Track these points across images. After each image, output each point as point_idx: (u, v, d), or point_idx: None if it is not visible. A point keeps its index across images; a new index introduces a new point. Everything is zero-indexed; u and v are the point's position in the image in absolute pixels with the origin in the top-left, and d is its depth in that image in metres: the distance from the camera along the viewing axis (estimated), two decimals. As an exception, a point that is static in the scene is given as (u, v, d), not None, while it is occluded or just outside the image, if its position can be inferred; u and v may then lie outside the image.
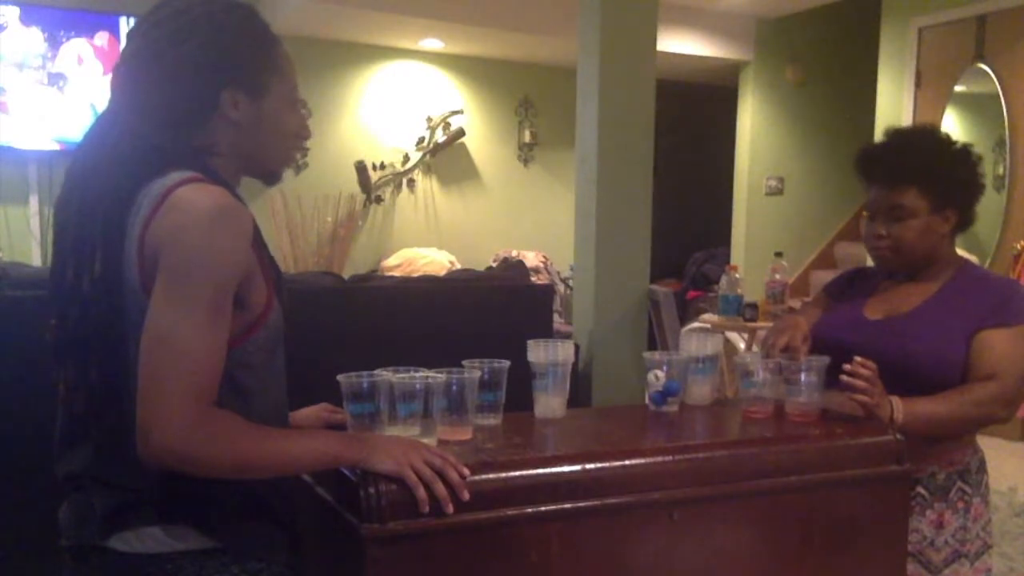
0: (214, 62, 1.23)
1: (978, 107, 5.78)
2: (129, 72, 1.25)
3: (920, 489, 1.79)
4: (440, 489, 1.26)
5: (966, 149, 1.88)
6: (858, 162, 1.93)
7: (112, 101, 1.26)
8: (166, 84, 1.22)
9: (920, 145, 1.88)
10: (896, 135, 1.94)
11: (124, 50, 1.27)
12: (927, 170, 1.82)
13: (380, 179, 6.80)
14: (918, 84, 5.84)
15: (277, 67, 1.30)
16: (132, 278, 1.16)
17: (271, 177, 1.36)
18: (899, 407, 1.69)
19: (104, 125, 1.25)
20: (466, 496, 1.28)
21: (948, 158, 1.86)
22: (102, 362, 1.18)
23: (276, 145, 1.33)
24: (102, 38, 5.70)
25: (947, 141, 1.90)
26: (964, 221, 1.88)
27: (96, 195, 1.19)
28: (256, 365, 1.25)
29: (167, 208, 1.15)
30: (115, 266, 1.17)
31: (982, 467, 1.88)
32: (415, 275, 5.94)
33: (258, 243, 1.26)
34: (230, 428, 1.15)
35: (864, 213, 1.93)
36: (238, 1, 1.29)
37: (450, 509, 1.26)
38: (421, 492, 1.25)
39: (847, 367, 1.65)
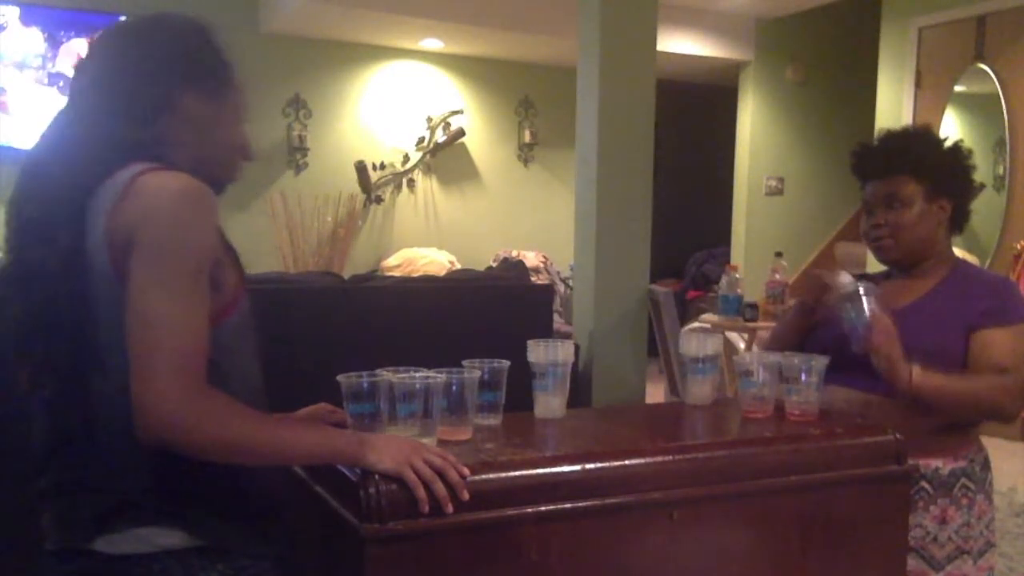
0: (174, 59, 1.27)
1: (978, 107, 5.78)
2: (90, 72, 1.28)
3: (924, 484, 1.80)
4: (440, 489, 1.26)
5: (956, 145, 1.94)
6: (853, 162, 1.98)
7: (71, 101, 1.28)
8: (127, 80, 1.25)
9: (912, 139, 1.95)
10: (888, 135, 1.99)
11: (85, 57, 1.30)
12: (920, 159, 1.88)
13: (380, 179, 6.80)
14: (918, 84, 5.85)
15: (232, 81, 1.34)
16: (102, 265, 1.16)
17: (216, 185, 1.34)
18: (917, 371, 1.71)
19: (62, 123, 1.27)
20: (465, 496, 1.28)
21: (939, 150, 1.93)
22: (70, 349, 1.18)
23: (224, 154, 1.34)
24: (102, 38, 5.70)
25: (938, 137, 1.99)
26: (959, 217, 1.92)
27: (58, 186, 1.20)
28: (232, 348, 1.27)
29: (134, 194, 1.16)
30: (79, 254, 1.17)
31: (986, 465, 1.89)
32: (415, 275, 5.95)
33: (220, 231, 1.28)
34: (225, 407, 1.16)
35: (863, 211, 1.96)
36: (192, 20, 1.33)
37: (449, 509, 1.26)
38: (421, 492, 1.25)
39: (868, 315, 1.71)
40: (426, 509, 1.25)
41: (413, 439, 1.36)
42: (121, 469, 1.18)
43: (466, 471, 1.30)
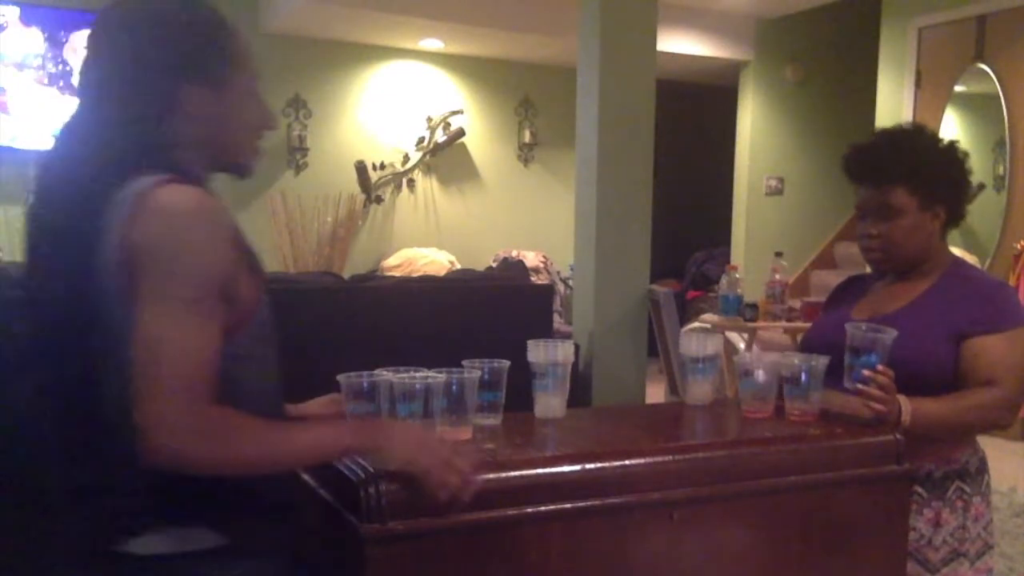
0: (170, 58, 1.22)
1: (978, 107, 5.78)
2: (89, 76, 1.25)
3: (917, 487, 1.79)
4: (447, 494, 1.25)
5: (952, 146, 1.88)
6: (845, 163, 1.93)
7: (79, 104, 1.26)
8: (125, 84, 1.21)
9: (906, 144, 1.88)
10: (882, 135, 1.94)
11: (85, 55, 1.27)
12: (914, 168, 1.82)
13: (380, 179, 6.80)
14: (918, 84, 5.85)
15: (235, 58, 1.28)
16: (109, 282, 1.14)
17: (241, 169, 1.34)
18: (907, 409, 1.69)
19: (70, 130, 1.25)
20: (467, 499, 1.27)
21: (934, 156, 1.86)
22: (79, 364, 1.17)
23: (240, 137, 1.31)
24: (102, 38, 5.70)
25: (933, 139, 1.91)
26: (953, 218, 1.89)
27: (67, 199, 1.19)
28: (247, 357, 1.25)
29: (146, 211, 1.13)
30: (88, 269, 1.15)
31: (983, 467, 1.87)
32: (415, 275, 5.95)
33: (239, 238, 1.25)
34: (229, 425, 1.15)
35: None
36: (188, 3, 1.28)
37: (458, 508, 1.26)
38: (428, 491, 1.24)
39: (866, 372, 1.65)
40: (437, 506, 1.25)
41: (427, 428, 1.36)
42: (137, 471, 1.16)
43: (479, 477, 1.28)
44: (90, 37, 1.27)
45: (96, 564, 1.19)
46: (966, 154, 1.89)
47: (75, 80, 1.28)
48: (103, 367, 1.16)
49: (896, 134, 1.92)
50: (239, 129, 1.30)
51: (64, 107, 5.59)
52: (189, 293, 1.13)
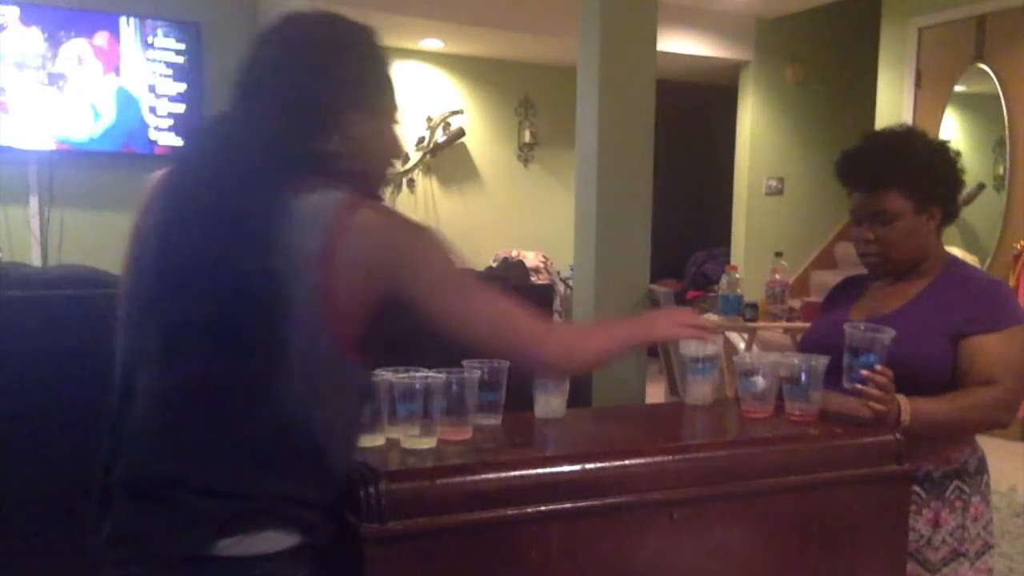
0: (340, 85, 1.29)
1: (978, 107, 5.78)
2: (260, 77, 1.28)
3: (916, 487, 1.79)
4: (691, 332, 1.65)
5: (944, 145, 1.88)
6: (838, 169, 1.92)
7: (239, 103, 1.28)
8: (302, 95, 1.26)
9: (897, 147, 1.87)
10: (872, 138, 1.94)
11: (254, 59, 1.29)
12: (906, 171, 1.82)
13: (380, 179, 6.80)
14: (918, 84, 5.85)
15: (389, 87, 1.37)
16: (312, 282, 1.17)
17: (374, 194, 1.38)
18: (906, 409, 1.69)
19: (229, 125, 1.27)
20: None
21: (926, 157, 1.86)
22: (248, 359, 1.18)
23: (380, 162, 1.39)
24: (102, 38, 5.70)
25: (923, 140, 1.90)
26: (948, 215, 1.88)
27: (231, 192, 1.20)
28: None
29: (363, 233, 1.20)
30: (271, 272, 1.18)
31: (982, 466, 1.87)
32: (415, 275, 5.93)
33: None
34: (570, 327, 1.45)
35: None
36: (360, 23, 1.36)
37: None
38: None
39: (865, 373, 1.65)
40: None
41: (677, 309, 1.61)
42: (257, 475, 1.18)
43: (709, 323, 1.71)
44: (264, 42, 1.30)
45: (177, 564, 1.18)
46: (958, 153, 1.88)
47: (236, 78, 1.30)
48: (279, 361, 1.17)
49: (887, 137, 1.92)
50: (380, 155, 1.37)
51: (64, 107, 5.59)
52: (466, 272, 1.34)
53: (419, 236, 1.25)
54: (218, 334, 1.19)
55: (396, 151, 1.41)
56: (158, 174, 1.31)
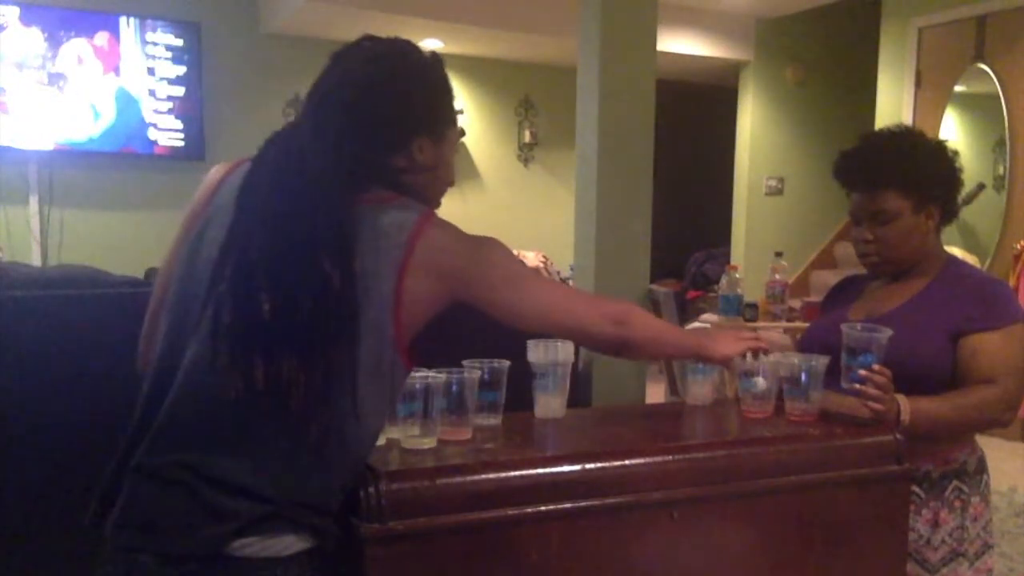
0: (410, 113, 1.36)
1: (978, 107, 5.78)
2: (336, 95, 1.32)
3: (915, 487, 1.79)
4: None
5: (941, 144, 1.89)
6: (836, 170, 1.92)
7: (312, 118, 1.31)
8: (377, 117, 1.32)
9: (894, 147, 1.87)
10: (870, 139, 1.94)
11: (330, 79, 1.34)
12: (904, 171, 1.82)
13: (380, 179, 6.80)
14: (918, 84, 5.85)
15: (453, 116, 1.44)
16: (386, 289, 1.24)
17: None
18: (906, 408, 1.69)
19: (302, 138, 1.29)
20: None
21: (924, 156, 1.86)
22: (314, 358, 1.19)
23: (436, 188, 1.44)
24: (102, 38, 5.70)
25: (921, 140, 1.90)
26: (947, 215, 1.89)
27: (314, 199, 1.23)
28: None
29: (440, 242, 1.29)
30: (351, 269, 1.22)
31: (981, 467, 1.87)
32: (415, 275, 5.93)
33: None
34: (637, 310, 1.50)
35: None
36: (430, 52, 1.41)
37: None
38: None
39: (863, 372, 1.65)
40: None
41: (739, 330, 1.75)
42: (285, 479, 1.19)
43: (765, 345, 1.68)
44: (341, 64, 1.35)
45: (188, 559, 1.18)
46: (956, 152, 1.89)
47: (320, 104, 1.34)
48: (343, 362, 1.20)
49: (884, 137, 1.92)
50: (438, 180, 1.43)
51: (64, 107, 5.59)
52: (528, 269, 1.43)
53: (485, 242, 1.34)
54: (288, 331, 1.19)
55: (452, 178, 1.47)
56: (216, 170, 1.36)
